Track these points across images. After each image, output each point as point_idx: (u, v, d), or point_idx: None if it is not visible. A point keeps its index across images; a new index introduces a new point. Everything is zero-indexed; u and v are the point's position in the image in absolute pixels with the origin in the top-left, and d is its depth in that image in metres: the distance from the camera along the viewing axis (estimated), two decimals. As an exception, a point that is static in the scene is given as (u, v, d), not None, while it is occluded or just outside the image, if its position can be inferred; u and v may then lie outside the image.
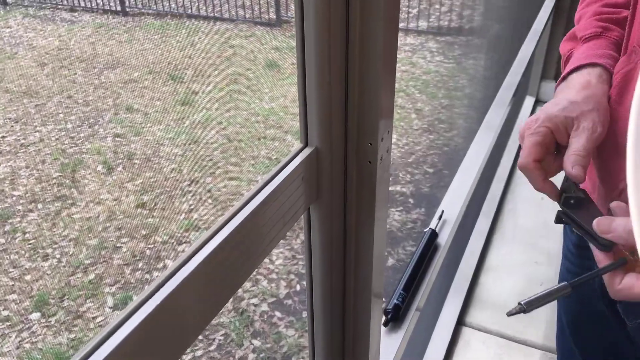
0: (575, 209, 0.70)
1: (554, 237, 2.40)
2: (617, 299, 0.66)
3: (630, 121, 0.36)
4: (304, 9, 0.52)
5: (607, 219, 0.64)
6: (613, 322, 0.92)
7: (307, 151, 0.58)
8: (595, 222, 0.64)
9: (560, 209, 0.72)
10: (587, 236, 0.68)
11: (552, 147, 0.74)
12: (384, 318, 0.90)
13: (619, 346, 0.96)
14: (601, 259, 0.66)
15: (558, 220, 0.72)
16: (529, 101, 3.49)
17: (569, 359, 1.11)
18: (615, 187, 0.77)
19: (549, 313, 2.08)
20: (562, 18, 3.19)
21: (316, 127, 0.58)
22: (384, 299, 0.80)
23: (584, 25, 0.85)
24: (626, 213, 0.65)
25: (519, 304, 0.67)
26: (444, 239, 1.10)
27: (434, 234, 1.09)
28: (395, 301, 0.91)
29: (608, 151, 0.76)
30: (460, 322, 2.07)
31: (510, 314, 0.68)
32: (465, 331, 2.04)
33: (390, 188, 0.70)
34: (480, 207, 2.59)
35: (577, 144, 0.70)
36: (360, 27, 0.54)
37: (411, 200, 2.46)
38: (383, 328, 0.89)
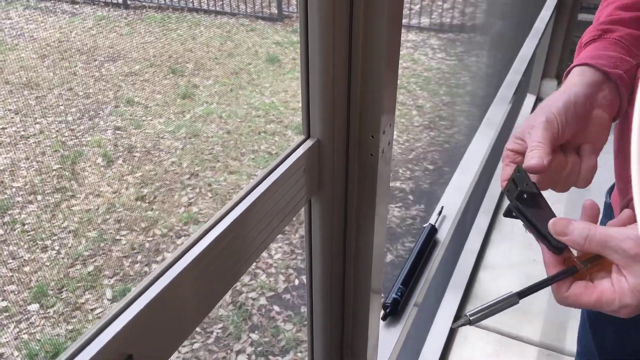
0: (528, 204, 0.64)
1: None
2: (564, 305, 0.63)
3: (633, 130, 0.36)
4: (308, 2, 0.52)
5: (565, 220, 0.60)
6: (630, 321, 0.91)
7: (309, 143, 0.58)
8: (551, 222, 0.61)
9: (511, 202, 0.65)
10: (538, 235, 0.64)
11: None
12: (382, 312, 0.90)
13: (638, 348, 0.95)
14: (549, 261, 0.63)
15: (507, 213, 0.66)
16: (530, 99, 3.49)
17: (587, 354, 1.10)
18: (626, 195, 0.76)
19: (546, 310, 2.09)
20: (564, 16, 3.19)
21: (318, 119, 0.58)
22: (382, 294, 0.80)
23: (589, 29, 0.83)
24: (630, 220, 0.61)
25: (465, 315, 0.62)
26: (443, 234, 1.10)
27: (433, 230, 1.09)
28: (394, 295, 0.91)
29: (623, 159, 0.74)
30: (458, 318, 2.08)
31: (456, 326, 0.66)
32: (463, 327, 2.04)
33: (390, 184, 0.70)
34: (480, 204, 2.59)
35: (533, 136, 0.65)
36: (364, 20, 0.54)
37: (411, 197, 2.46)
38: (382, 322, 0.89)
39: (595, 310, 0.59)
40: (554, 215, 0.63)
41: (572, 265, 0.61)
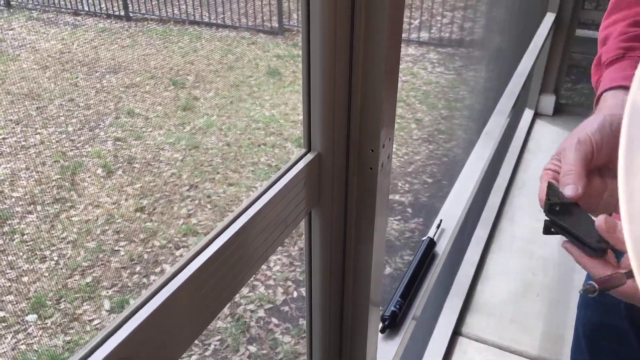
0: (561, 215, 0.64)
1: (552, 246, 2.41)
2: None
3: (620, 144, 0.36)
4: (310, 18, 0.53)
5: (612, 218, 0.58)
6: (633, 340, 0.91)
7: (309, 156, 0.59)
8: (600, 219, 0.58)
9: (547, 219, 0.65)
10: (577, 242, 0.63)
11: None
12: (381, 325, 0.90)
13: None
14: (590, 265, 0.61)
15: (546, 230, 0.66)
16: (527, 114, 3.51)
17: None
18: None
19: (545, 324, 2.09)
20: (563, 32, 3.21)
21: (319, 133, 0.59)
22: (381, 307, 0.80)
23: (607, 48, 0.82)
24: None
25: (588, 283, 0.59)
26: (442, 247, 1.11)
27: (432, 243, 1.10)
28: (392, 308, 0.92)
29: None
30: (457, 332, 2.07)
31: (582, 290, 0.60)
32: (462, 340, 2.04)
33: (389, 197, 0.71)
34: (479, 217, 2.59)
35: (566, 159, 0.65)
36: (365, 35, 0.55)
37: (409, 210, 2.47)
38: (380, 335, 0.89)
39: None
40: (592, 221, 0.62)
41: None
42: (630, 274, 0.58)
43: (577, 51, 3.84)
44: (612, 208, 0.68)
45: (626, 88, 0.71)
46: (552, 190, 0.65)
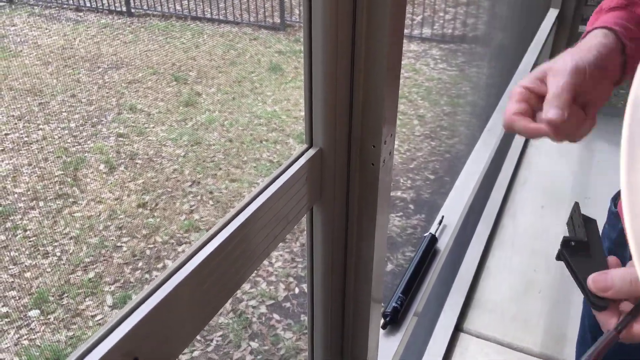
0: (574, 253, 0.60)
1: (554, 243, 2.41)
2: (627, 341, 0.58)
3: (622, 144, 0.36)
4: (312, 13, 0.53)
5: (602, 274, 0.56)
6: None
7: (311, 152, 0.59)
8: (590, 279, 0.57)
9: (560, 248, 0.62)
10: (581, 289, 0.59)
11: (535, 102, 0.68)
12: (382, 321, 0.90)
13: None
14: (601, 318, 0.58)
15: (558, 257, 0.63)
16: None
17: None
18: None
19: (547, 321, 2.08)
20: (565, 28, 3.20)
21: (321, 129, 0.59)
22: (382, 303, 0.81)
23: None
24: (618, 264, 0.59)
25: None
26: (444, 244, 1.11)
27: (433, 239, 1.09)
28: (393, 304, 0.92)
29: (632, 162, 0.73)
30: (459, 328, 2.07)
31: None
32: (463, 337, 2.04)
33: (391, 193, 0.71)
34: (481, 213, 2.59)
35: (557, 82, 0.63)
36: (367, 31, 0.55)
37: (411, 206, 2.47)
38: (381, 331, 0.89)
39: None
40: (602, 265, 0.58)
41: None
42: (637, 310, 0.55)
43: (580, 47, 3.81)
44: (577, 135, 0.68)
45: (607, 28, 0.71)
46: (574, 215, 0.62)
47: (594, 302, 0.57)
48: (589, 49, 0.69)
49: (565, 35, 3.23)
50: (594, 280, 0.57)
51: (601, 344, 0.57)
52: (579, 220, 0.63)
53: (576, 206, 0.64)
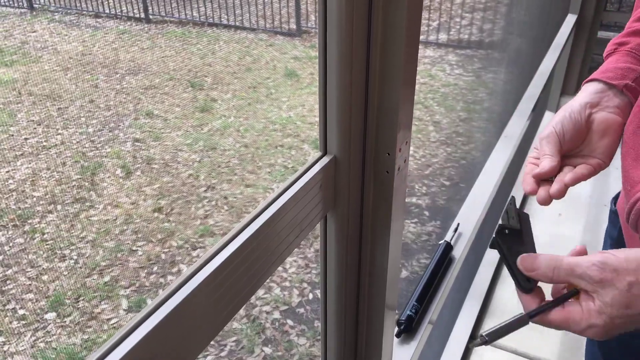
0: (506, 240, 0.65)
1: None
2: (536, 323, 0.65)
3: None
4: (327, 19, 0.53)
5: (531, 256, 0.62)
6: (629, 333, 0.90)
7: (325, 159, 0.59)
8: (519, 259, 0.63)
9: (494, 236, 0.66)
10: (511, 273, 0.64)
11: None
12: (396, 329, 0.89)
13: None
14: (521, 298, 0.65)
15: (492, 245, 0.67)
16: (548, 116, 3.46)
17: None
18: (630, 197, 0.76)
19: (564, 331, 2.06)
20: (584, 33, 3.17)
21: (335, 136, 0.58)
22: (396, 311, 0.80)
23: (609, 43, 0.86)
24: (581, 252, 0.63)
25: (481, 335, 0.64)
26: (459, 251, 1.10)
27: (449, 247, 1.09)
28: (408, 312, 0.91)
29: (631, 159, 0.74)
30: (474, 337, 2.05)
31: (473, 345, 0.67)
32: (479, 347, 2.02)
33: (405, 199, 0.70)
34: (498, 219, 2.57)
35: (542, 149, 0.76)
36: (382, 37, 0.55)
37: (427, 213, 2.45)
38: (395, 339, 0.89)
39: (562, 330, 0.62)
40: (532, 252, 0.64)
41: (573, 288, 0.61)
42: (556, 302, 0.62)
43: (599, 53, 3.78)
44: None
45: (597, 80, 0.78)
46: (509, 206, 0.68)
47: (520, 284, 0.63)
48: (560, 111, 0.79)
49: (583, 40, 3.19)
50: (523, 259, 0.63)
51: (509, 325, 0.63)
52: (513, 213, 0.67)
53: (512, 200, 0.69)
